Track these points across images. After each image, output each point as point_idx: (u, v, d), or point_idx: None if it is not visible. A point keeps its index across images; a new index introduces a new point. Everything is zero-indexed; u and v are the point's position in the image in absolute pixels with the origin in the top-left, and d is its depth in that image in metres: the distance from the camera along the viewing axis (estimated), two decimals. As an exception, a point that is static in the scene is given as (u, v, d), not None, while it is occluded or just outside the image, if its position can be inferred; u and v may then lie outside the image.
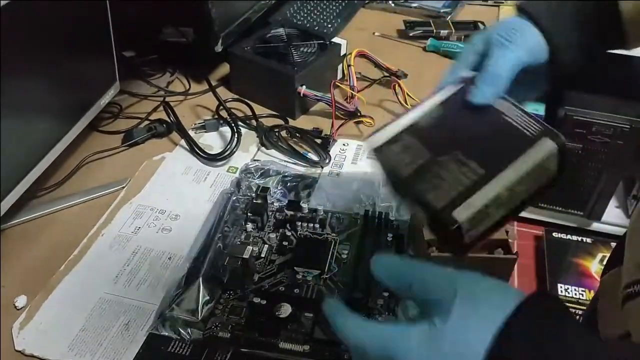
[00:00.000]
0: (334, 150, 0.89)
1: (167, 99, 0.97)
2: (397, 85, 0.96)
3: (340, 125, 0.91)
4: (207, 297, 0.64)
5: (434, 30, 1.17)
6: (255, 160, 0.87)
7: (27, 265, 0.71)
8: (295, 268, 0.68)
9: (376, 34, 1.21)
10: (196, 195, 0.81)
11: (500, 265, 0.62)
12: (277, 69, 0.95)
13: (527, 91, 0.56)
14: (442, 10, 1.27)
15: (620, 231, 0.77)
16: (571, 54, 0.54)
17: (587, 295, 0.69)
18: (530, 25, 0.54)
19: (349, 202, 0.77)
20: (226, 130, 0.93)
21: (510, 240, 0.64)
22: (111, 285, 0.68)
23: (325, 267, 0.68)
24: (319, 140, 0.89)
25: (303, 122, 0.96)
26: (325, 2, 1.24)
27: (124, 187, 0.82)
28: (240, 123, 0.93)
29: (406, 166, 0.43)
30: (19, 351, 0.61)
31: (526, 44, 0.53)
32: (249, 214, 0.74)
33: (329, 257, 0.69)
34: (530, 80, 0.55)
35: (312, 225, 0.73)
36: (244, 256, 0.69)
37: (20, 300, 0.66)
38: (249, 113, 0.95)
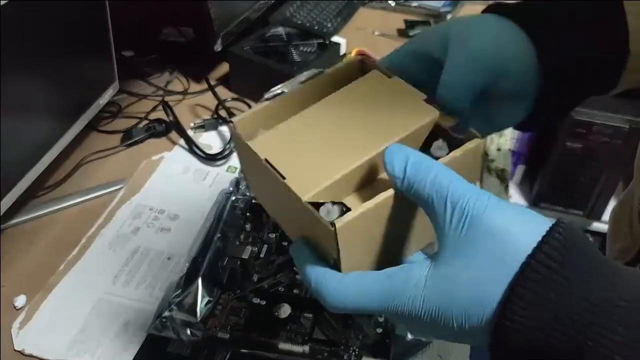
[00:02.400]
0: (334, 150, 0.89)
1: (166, 98, 0.97)
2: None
3: (340, 125, 0.91)
4: (207, 298, 0.64)
5: (434, 30, 1.17)
6: (254, 160, 0.87)
7: (26, 265, 0.70)
8: (295, 268, 0.68)
9: (376, 33, 1.21)
10: (195, 195, 0.81)
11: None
12: (276, 69, 0.95)
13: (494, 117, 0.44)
14: (442, 10, 1.27)
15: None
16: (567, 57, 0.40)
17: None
18: (504, 20, 0.40)
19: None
20: (225, 129, 0.92)
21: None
22: (110, 286, 0.68)
23: (324, 267, 0.68)
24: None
25: (303, 121, 0.96)
26: (324, 1, 1.24)
27: (123, 187, 0.82)
28: (239, 123, 0.93)
29: None
30: (19, 351, 0.61)
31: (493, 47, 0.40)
32: (248, 213, 0.74)
33: (329, 257, 0.69)
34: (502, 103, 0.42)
35: (311, 225, 0.73)
36: (243, 256, 0.69)
37: (20, 300, 0.65)
38: (249, 113, 0.95)
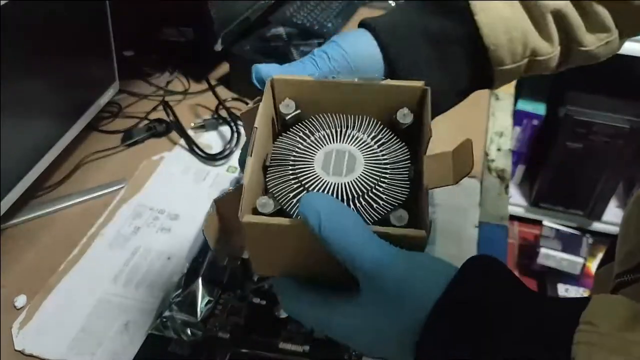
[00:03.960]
0: (334, 150, 0.89)
1: (167, 98, 0.97)
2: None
3: (340, 125, 0.91)
4: (207, 298, 0.64)
5: (434, 30, 1.17)
6: (255, 159, 0.87)
7: (26, 265, 0.71)
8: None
9: (376, 33, 1.21)
10: (195, 195, 0.81)
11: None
12: (276, 69, 0.95)
13: None
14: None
15: (620, 231, 0.77)
16: (415, 74, 0.46)
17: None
18: (367, 35, 0.49)
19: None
20: (226, 129, 0.92)
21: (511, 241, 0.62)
22: (111, 285, 0.68)
23: (325, 267, 0.68)
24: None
25: (303, 121, 0.96)
26: (325, 1, 1.24)
27: (123, 187, 0.82)
28: (239, 122, 0.93)
29: None
30: (19, 351, 0.61)
31: (353, 51, 0.47)
32: (248, 213, 0.74)
33: (329, 257, 0.69)
34: None
35: (311, 225, 0.73)
36: (243, 256, 0.69)
37: (20, 300, 0.66)
38: (249, 112, 0.95)
